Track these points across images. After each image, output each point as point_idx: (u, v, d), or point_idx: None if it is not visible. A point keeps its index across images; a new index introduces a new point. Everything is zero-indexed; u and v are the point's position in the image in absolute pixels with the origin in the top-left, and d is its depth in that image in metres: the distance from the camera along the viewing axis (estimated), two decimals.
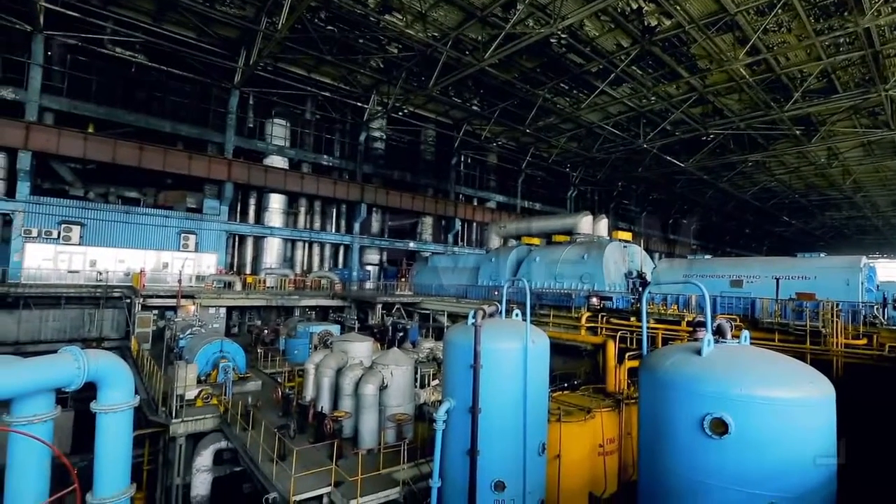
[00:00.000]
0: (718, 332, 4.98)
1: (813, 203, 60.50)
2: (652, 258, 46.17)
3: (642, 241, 56.45)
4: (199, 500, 11.14)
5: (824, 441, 4.17)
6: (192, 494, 11.21)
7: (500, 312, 7.99)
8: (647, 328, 17.49)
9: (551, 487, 11.11)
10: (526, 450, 6.86)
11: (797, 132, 34.34)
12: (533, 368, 6.98)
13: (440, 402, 7.46)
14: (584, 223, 27.87)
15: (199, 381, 13.71)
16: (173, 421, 11.62)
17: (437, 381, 14.25)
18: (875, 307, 14.46)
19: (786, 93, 29.42)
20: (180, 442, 11.67)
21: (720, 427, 4.17)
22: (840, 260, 16.95)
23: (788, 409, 4.03)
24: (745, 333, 5.03)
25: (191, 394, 12.61)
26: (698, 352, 4.65)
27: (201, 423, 12.03)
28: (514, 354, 6.92)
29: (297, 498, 8.20)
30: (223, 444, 11.77)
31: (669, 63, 26.99)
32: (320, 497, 8.61)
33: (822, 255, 18.06)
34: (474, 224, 44.87)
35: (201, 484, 11.20)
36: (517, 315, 7.77)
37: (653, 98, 31.87)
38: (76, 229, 25.98)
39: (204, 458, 11.48)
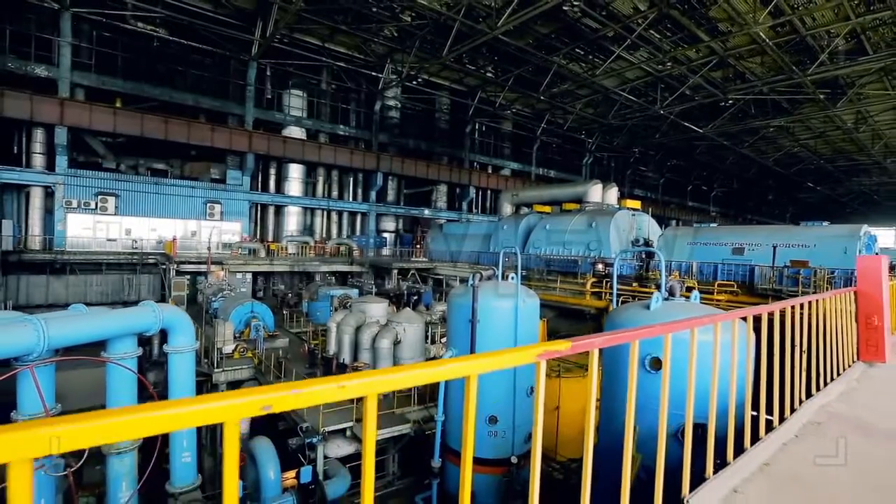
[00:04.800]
0: (670, 292, 5.93)
1: (840, 169, 58.51)
2: (669, 225, 46.04)
3: (655, 209, 56.03)
4: (241, 437, 12.91)
5: (738, 376, 5.18)
6: None
7: (497, 276, 9.04)
8: (640, 292, 18.34)
9: (551, 435, 12.47)
10: (516, 391, 8.06)
11: (821, 96, 33.30)
12: (523, 323, 8.08)
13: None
14: (594, 191, 28.27)
15: (234, 338, 15.33)
16: (216, 371, 13.31)
17: (444, 340, 15.61)
18: None
19: (812, 55, 28.44)
20: (222, 388, 13.39)
21: (657, 364, 5.22)
22: (839, 228, 17.28)
23: (709, 350, 5.02)
24: (695, 293, 5.95)
25: (228, 348, 14.23)
26: (648, 307, 5.64)
27: (239, 372, 13.74)
28: (507, 311, 8.01)
29: (327, 429, 9.73)
30: None
31: (689, 26, 26.33)
32: (344, 430, 10.15)
33: (824, 223, 18.36)
34: (488, 191, 45.35)
35: (242, 423, 12.96)
36: (512, 278, 8.80)
37: (668, 64, 31.22)
38: (111, 200, 27.71)
39: None
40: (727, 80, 33.80)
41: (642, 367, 5.41)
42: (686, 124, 40.69)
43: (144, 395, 8.98)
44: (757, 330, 4.44)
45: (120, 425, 0.67)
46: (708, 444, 2.37)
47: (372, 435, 0.99)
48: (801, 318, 3.56)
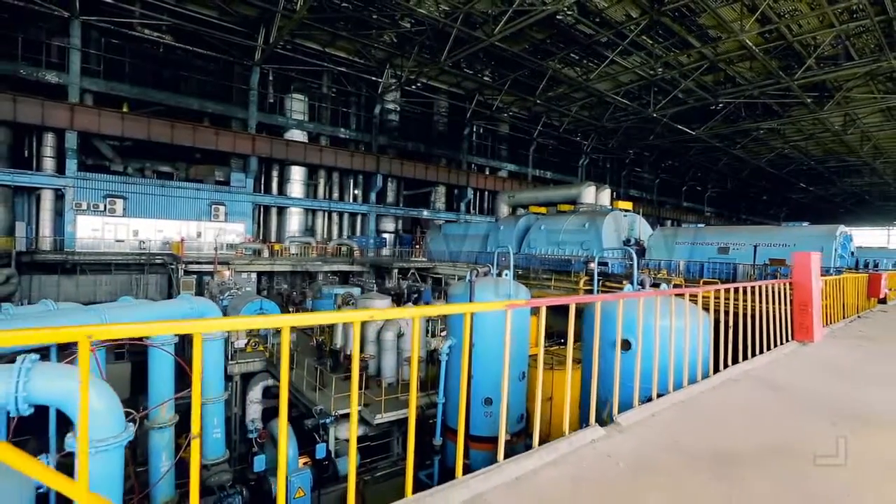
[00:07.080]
0: (641, 284, 6.84)
1: (831, 169, 59.51)
2: (664, 225, 46.94)
3: (650, 210, 56.96)
4: (255, 424, 13.81)
5: (701, 354, 6.11)
6: (246, 420, 13.88)
7: (493, 273, 9.93)
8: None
9: (543, 423, 13.43)
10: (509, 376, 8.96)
11: (808, 100, 34.27)
12: (515, 315, 8.99)
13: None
14: (588, 193, 29.19)
15: (246, 333, 16.17)
16: (229, 363, 14.17)
17: (444, 333, 16.52)
18: (844, 271, 15.93)
19: (799, 60, 29.31)
20: (236, 380, 14.27)
21: (626, 345, 6.13)
22: (817, 229, 18.25)
23: (670, 333, 5.97)
24: (663, 286, 6.86)
25: (241, 342, 15.10)
26: None
27: (251, 364, 14.59)
28: None
29: (338, 412, 10.63)
30: (269, 381, 14.33)
31: (680, 32, 27.20)
32: None
33: (804, 224, 19.33)
34: (486, 193, 46.19)
35: (254, 412, 13.87)
36: (506, 274, 9.70)
37: (661, 68, 32.11)
38: (119, 202, 28.47)
39: (255, 393, 14.07)
40: (718, 84, 34.74)
41: (614, 348, 6.32)
42: (679, 126, 41.63)
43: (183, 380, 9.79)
44: (717, 322, 5.45)
45: (310, 318, 1.53)
46: (635, 384, 3.26)
47: (416, 350, 1.87)
48: (730, 301, 4.46)
